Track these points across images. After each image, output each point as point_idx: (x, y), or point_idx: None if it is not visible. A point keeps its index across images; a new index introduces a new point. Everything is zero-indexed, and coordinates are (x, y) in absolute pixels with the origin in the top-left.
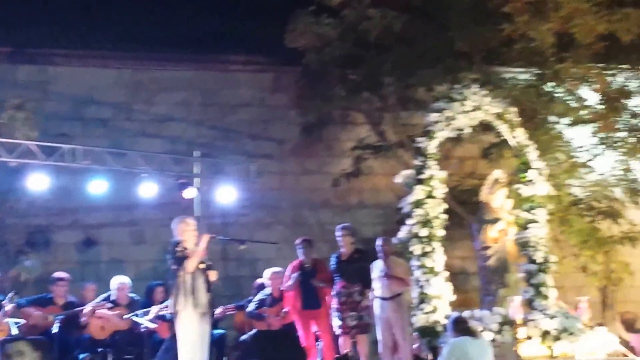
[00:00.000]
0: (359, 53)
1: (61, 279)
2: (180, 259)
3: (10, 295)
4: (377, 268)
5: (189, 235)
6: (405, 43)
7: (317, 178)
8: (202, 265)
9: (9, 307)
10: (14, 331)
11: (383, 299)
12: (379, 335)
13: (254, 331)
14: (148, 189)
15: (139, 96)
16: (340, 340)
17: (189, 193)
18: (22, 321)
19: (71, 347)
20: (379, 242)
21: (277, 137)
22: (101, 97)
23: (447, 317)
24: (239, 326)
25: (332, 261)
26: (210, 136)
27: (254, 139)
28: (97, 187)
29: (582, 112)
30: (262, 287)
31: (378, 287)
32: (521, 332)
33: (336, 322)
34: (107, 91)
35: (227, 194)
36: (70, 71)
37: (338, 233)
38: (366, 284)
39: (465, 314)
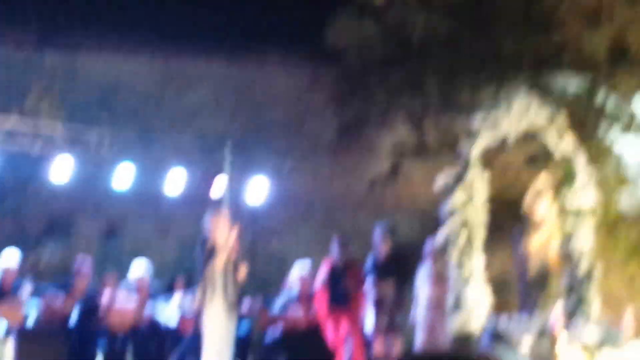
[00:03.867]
0: (402, 54)
1: (83, 266)
2: (210, 253)
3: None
4: (422, 271)
5: (220, 230)
6: (450, 46)
7: (353, 179)
8: (231, 261)
9: (26, 290)
10: (31, 320)
11: (427, 302)
12: (419, 339)
13: (279, 330)
14: (175, 182)
15: (169, 86)
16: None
17: (218, 187)
18: (40, 306)
19: (89, 340)
20: (427, 244)
21: (312, 134)
22: (130, 86)
23: (483, 326)
24: (264, 324)
25: (369, 261)
26: (243, 131)
27: (288, 135)
28: (123, 177)
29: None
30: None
31: (423, 291)
32: (561, 342)
33: (369, 323)
34: (137, 80)
35: (257, 190)
36: (99, 58)
37: (375, 232)
38: (400, 285)
39: (504, 318)
